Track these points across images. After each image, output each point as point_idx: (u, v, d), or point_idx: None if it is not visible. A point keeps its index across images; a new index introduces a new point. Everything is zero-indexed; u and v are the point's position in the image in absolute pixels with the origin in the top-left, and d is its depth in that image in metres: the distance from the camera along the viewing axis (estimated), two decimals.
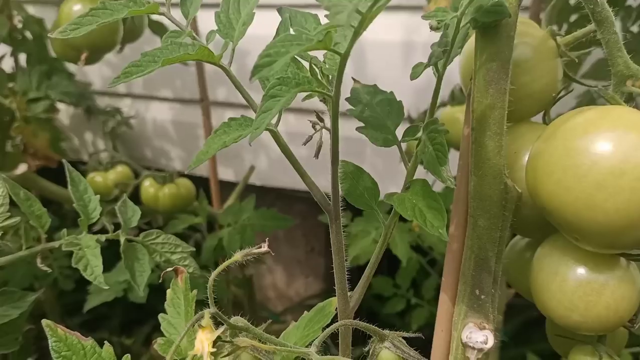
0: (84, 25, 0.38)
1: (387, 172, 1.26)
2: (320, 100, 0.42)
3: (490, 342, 0.42)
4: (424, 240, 0.88)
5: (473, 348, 0.43)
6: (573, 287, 0.40)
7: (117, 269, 0.89)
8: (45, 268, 0.50)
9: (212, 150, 0.36)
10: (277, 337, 0.39)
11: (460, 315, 0.44)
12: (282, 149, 0.41)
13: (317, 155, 0.40)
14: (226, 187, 1.26)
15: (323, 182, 0.44)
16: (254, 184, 1.31)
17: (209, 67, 1.24)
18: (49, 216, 0.49)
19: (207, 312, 0.33)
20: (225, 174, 1.37)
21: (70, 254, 1.02)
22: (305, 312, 0.47)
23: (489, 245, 0.43)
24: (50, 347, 0.39)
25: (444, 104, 0.85)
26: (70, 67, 1.20)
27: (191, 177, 1.08)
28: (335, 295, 0.49)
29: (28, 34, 1.10)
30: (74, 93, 0.98)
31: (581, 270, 0.40)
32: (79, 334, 0.40)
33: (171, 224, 0.95)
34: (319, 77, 0.39)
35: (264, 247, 0.37)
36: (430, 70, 0.41)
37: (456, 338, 0.44)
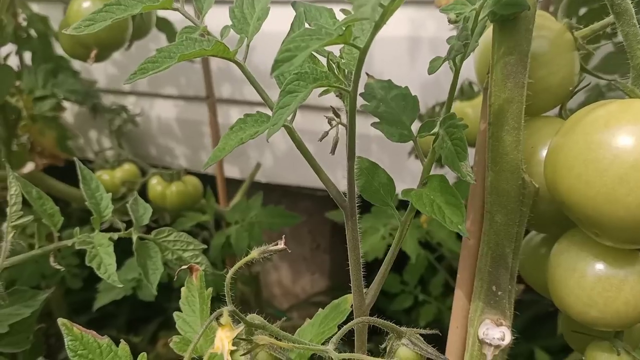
0: (98, 21, 0.38)
1: (394, 168, 1.25)
2: (337, 96, 0.41)
3: (508, 339, 0.42)
4: (433, 236, 0.88)
5: (490, 344, 0.42)
6: (592, 283, 0.40)
7: (126, 267, 0.89)
8: (59, 266, 0.50)
9: (229, 147, 0.35)
10: (291, 335, 0.39)
11: (476, 311, 0.44)
12: (298, 145, 0.41)
13: (333, 151, 0.39)
14: (232, 184, 1.26)
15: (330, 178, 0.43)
16: (259, 182, 1.31)
17: (213, 64, 1.24)
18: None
19: (225, 310, 0.33)
20: (231, 171, 1.37)
21: (77, 252, 1.02)
22: (320, 309, 0.46)
23: (506, 241, 0.42)
24: (66, 346, 0.39)
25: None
26: (75, 65, 1.19)
27: (197, 175, 1.08)
28: (339, 292, 0.49)
29: (32, 32, 1.09)
30: (80, 91, 0.98)
31: (600, 266, 0.40)
32: (94, 332, 0.39)
33: (179, 221, 0.95)
34: (336, 72, 0.38)
35: (281, 245, 0.37)
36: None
37: (472, 334, 0.44)
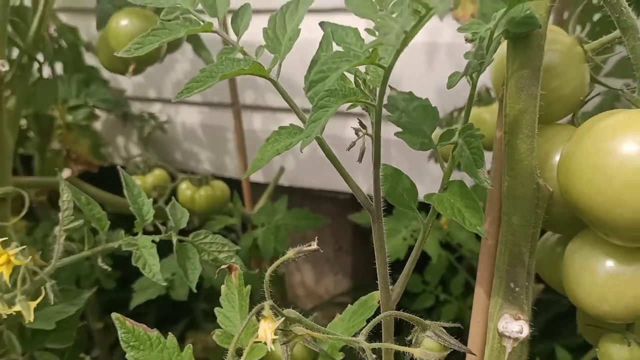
0: (146, 44, 0.41)
1: (413, 171, 1.28)
2: (363, 109, 0.45)
3: (526, 332, 0.45)
4: (453, 237, 0.91)
5: (509, 337, 0.46)
6: (603, 279, 0.43)
7: (169, 259, 0.94)
8: (106, 266, 0.54)
9: (268, 158, 0.39)
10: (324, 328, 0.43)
11: (496, 307, 0.47)
12: (327, 154, 0.44)
13: (360, 159, 0.43)
14: (256, 188, 1.30)
15: (344, 184, 0.47)
16: (282, 185, 1.35)
17: None
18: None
19: (267, 304, 0.36)
20: (255, 175, 1.41)
21: (110, 255, 1.07)
22: (349, 305, 0.50)
23: (522, 241, 0.45)
24: (120, 338, 0.43)
25: None
26: (104, 74, 1.25)
27: (224, 179, 1.12)
28: (362, 292, 0.52)
29: (63, 43, 1.14)
30: (111, 100, 1.02)
31: (610, 263, 0.43)
32: (145, 325, 0.43)
33: (208, 224, 0.99)
34: (362, 88, 0.42)
35: (314, 245, 0.40)
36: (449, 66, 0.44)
37: (492, 329, 0.47)
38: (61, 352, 0.64)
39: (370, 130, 0.43)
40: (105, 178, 1.12)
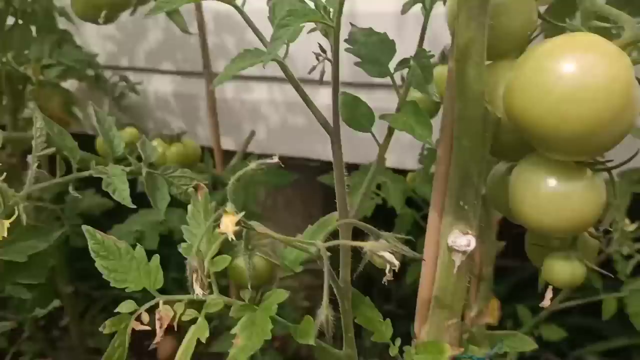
0: None
1: (381, 136, 1.32)
2: (323, 35, 0.47)
3: (473, 245, 0.49)
4: (418, 192, 0.94)
5: (458, 251, 0.49)
6: (545, 195, 0.46)
7: (128, 221, 0.96)
8: (77, 194, 0.56)
9: (232, 72, 0.41)
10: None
11: (446, 225, 0.50)
12: (290, 79, 0.47)
13: (321, 80, 0.45)
14: (228, 156, 1.32)
15: (320, 148, 0.50)
16: (252, 153, 1.37)
17: (210, 40, 1.29)
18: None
19: (229, 204, 0.39)
20: (227, 143, 1.42)
21: (80, 214, 1.08)
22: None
23: (471, 163, 0.49)
24: (90, 249, 0.45)
25: (434, 64, 0.91)
26: (77, 40, 1.25)
27: None
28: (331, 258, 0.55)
29: (36, 7, 1.14)
30: (84, 61, 1.03)
31: (552, 180, 0.46)
32: (114, 237, 0.46)
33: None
34: (322, 12, 0.44)
35: (275, 159, 0.43)
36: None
37: (443, 245, 0.50)
38: (33, 287, 0.65)
39: (329, 55, 0.46)
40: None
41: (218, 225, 0.41)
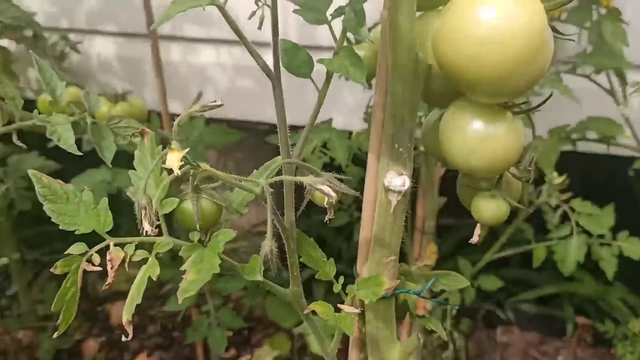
0: None
1: (330, 102, 1.34)
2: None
3: (407, 185, 0.52)
4: (363, 148, 0.98)
5: (393, 191, 0.52)
6: (470, 136, 0.50)
7: (75, 181, 0.95)
8: (21, 144, 0.56)
9: (172, 14, 0.43)
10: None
11: (383, 167, 0.53)
12: (224, 15, 0.48)
13: (260, 27, 0.47)
14: (176, 118, 1.32)
15: (270, 111, 0.52)
16: (202, 115, 1.37)
17: (153, 1, 1.28)
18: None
19: (174, 142, 0.41)
20: (174, 106, 1.42)
21: (25, 176, 1.07)
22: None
23: (404, 107, 0.52)
24: (37, 193, 0.46)
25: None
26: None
27: None
28: None
29: None
30: (22, 18, 1.01)
31: (477, 122, 0.50)
32: (60, 181, 0.47)
33: None
34: None
35: (219, 102, 0.45)
36: None
37: (380, 186, 0.54)
38: None
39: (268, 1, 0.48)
40: None
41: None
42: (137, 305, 0.46)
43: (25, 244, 1.51)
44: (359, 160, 1.09)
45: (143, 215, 0.43)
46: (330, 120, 1.05)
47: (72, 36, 1.43)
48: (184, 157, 0.41)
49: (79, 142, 0.91)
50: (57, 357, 1.49)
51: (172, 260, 0.62)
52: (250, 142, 1.51)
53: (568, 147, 1.11)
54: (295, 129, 0.61)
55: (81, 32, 1.44)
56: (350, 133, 1.09)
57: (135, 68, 1.45)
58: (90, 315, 1.61)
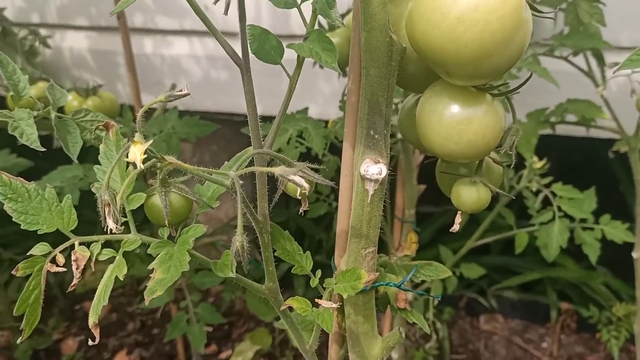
0: None
1: (305, 89, 1.32)
2: None
3: (384, 173, 0.51)
4: (340, 137, 0.96)
5: (370, 179, 0.51)
6: (448, 120, 0.49)
7: (46, 178, 0.93)
8: None
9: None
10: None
11: (359, 155, 0.52)
12: (199, 15, 0.46)
13: (226, 11, 0.45)
14: (150, 113, 1.29)
15: (244, 102, 0.50)
16: (176, 107, 1.35)
17: None
18: None
19: (137, 134, 0.39)
20: (148, 100, 1.39)
21: None
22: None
23: (379, 92, 0.50)
24: None
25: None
26: None
27: None
28: None
29: None
30: None
31: (454, 106, 0.48)
32: (22, 179, 0.44)
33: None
34: None
35: (185, 91, 0.43)
36: None
37: (357, 175, 0.52)
38: None
39: None
40: None
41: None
42: (116, 302, 0.44)
43: (0, 244, 1.48)
44: (337, 150, 1.08)
45: (107, 211, 0.41)
46: (306, 110, 1.03)
47: (43, 31, 1.39)
48: (148, 149, 0.39)
49: (50, 139, 0.89)
50: (36, 357, 1.46)
51: (149, 256, 0.60)
52: (225, 133, 1.49)
53: (547, 131, 1.11)
54: (271, 119, 0.59)
55: (53, 26, 1.40)
56: (327, 122, 1.07)
57: (109, 62, 1.42)
58: (68, 314, 1.58)
